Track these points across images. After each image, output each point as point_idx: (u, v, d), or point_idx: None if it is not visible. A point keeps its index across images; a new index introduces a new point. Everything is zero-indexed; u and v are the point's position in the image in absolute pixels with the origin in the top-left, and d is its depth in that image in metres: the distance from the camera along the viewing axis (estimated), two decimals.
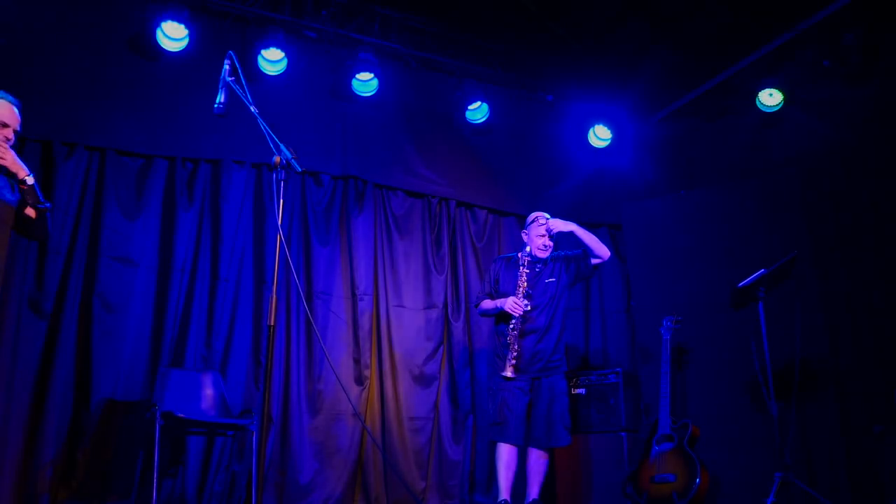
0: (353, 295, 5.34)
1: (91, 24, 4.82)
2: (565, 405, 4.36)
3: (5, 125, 3.06)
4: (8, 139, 3.06)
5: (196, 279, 4.84)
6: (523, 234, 4.64)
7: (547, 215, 4.56)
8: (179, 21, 4.79)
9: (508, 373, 4.26)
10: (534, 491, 4.31)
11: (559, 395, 4.35)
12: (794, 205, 5.11)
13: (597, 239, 4.54)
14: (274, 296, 2.89)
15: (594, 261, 4.54)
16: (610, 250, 4.65)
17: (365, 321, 5.33)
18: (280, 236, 2.99)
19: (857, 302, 4.88)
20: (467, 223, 5.98)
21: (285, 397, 4.98)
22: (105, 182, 4.74)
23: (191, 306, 4.79)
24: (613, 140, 6.26)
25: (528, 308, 4.33)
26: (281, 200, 2.97)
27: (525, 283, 4.39)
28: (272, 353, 2.96)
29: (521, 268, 4.43)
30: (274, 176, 2.98)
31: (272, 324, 2.93)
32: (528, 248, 4.51)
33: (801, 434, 4.72)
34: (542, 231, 4.50)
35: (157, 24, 4.79)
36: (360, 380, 5.23)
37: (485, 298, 4.60)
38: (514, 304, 4.31)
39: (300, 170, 2.98)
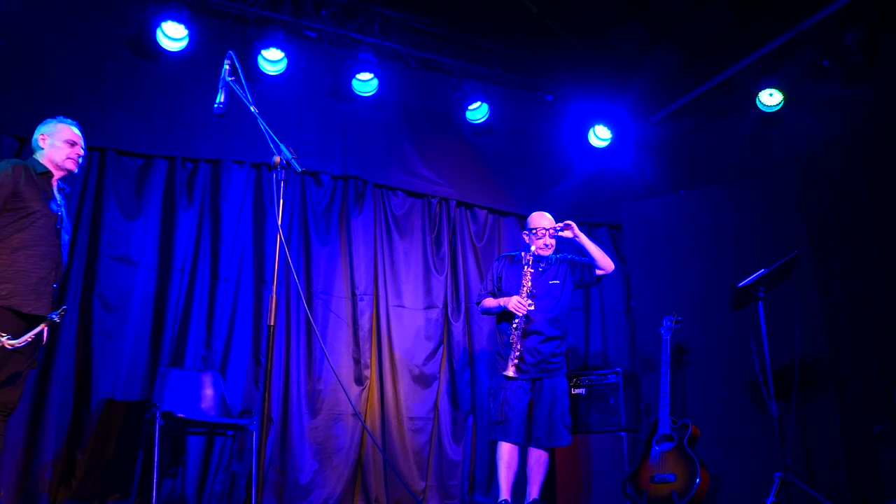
0: (353, 295, 5.34)
1: (91, 25, 4.82)
2: (566, 406, 4.37)
3: (74, 143, 3.47)
4: (80, 155, 3.50)
5: (196, 279, 4.84)
6: (524, 235, 4.62)
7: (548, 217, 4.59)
8: (179, 21, 4.79)
9: (510, 372, 4.26)
10: (534, 491, 4.31)
11: (561, 395, 4.35)
12: (794, 205, 5.10)
13: (603, 252, 4.54)
14: (274, 296, 2.89)
15: (598, 272, 4.53)
16: (611, 252, 4.64)
17: (365, 321, 5.33)
18: (280, 236, 2.99)
19: (857, 302, 4.88)
20: (467, 223, 5.98)
21: (285, 397, 4.98)
22: (105, 182, 4.74)
23: (191, 306, 4.78)
24: (613, 140, 6.26)
25: (532, 308, 4.33)
26: (281, 200, 2.97)
27: (529, 283, 4.38)
28: (272, 353, 2.96)
29: (526, 267, 4.42)
30: (274, 176, 2.98)
31: (272, 324, 2.93)
32: (532, 248, 4.49)
33: (801, 434, 4.73)
34: (542, 233, 4.51)
35: (157, 24, 4.79)
36: (360, 380, 5.23)
37: (487, 297, 4.59)
38: (519, 304, 4.30)
39: (300, 170, 2.98)
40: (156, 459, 4.11)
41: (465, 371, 5.59)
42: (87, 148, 4.69)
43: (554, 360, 4.36)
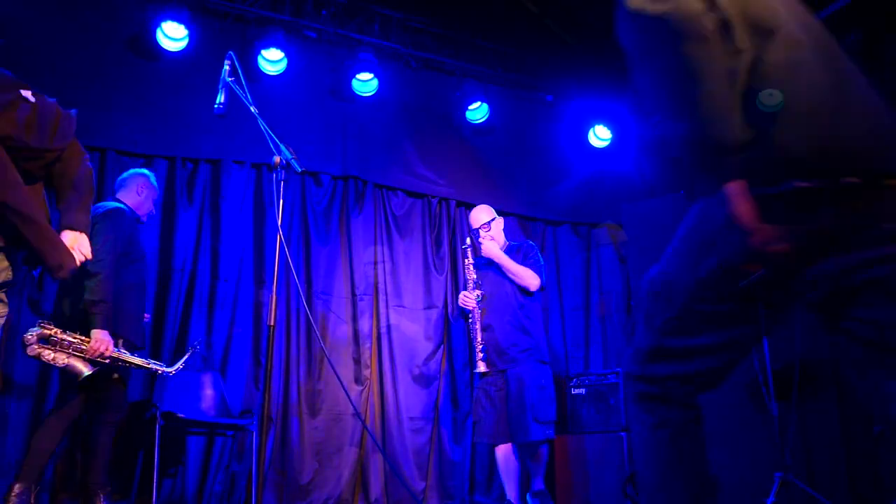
0: (353, 295, 5.34)
1: (91, 24, 4.82)
2: (537, 397, 4.13)
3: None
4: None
5: (196, 279, 4.84)
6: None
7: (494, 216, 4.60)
8: (179, 21, 4.79)
9: (481, 367, 4.23)
10: (536, 482, 4.27)
11: (528, 386, 4.14)
12: None
13: (522, 272, 4.32)
14: (274, 296, 2.89)
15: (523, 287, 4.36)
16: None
17: (365, 321, 5.33)
18: (280, 236, 2.99)
19: None
20: (467, 223, 5.97)
21: (285, 397, 4.98)
22: (105, 182, 4.73)
23: (191, 306, 4.78)
24: (613, 140, 6.26)
25: (481, 299, 4.29)
26: (281, 200, 2.97)
27: (474, 275, 4.36)
28: (272, 353, 2.96)
29: (466, 260, 4.42)
30: (274, 176, 2.98)
31: (272, 324, 2.93)
32: (468, 239, 4.51)
33: (801, 434, 4.72)
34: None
35: (157, 24, 4.79)
36: (360, 380, 5.23)
37: None
38: (465, 298, 4.30)
39: (300, 170, 2.98)
40: (156, 459, 4.11)
41: (465, 371, 5.59)
42: (88, 148, 4.76)
43: (516, 349, 4.23)
